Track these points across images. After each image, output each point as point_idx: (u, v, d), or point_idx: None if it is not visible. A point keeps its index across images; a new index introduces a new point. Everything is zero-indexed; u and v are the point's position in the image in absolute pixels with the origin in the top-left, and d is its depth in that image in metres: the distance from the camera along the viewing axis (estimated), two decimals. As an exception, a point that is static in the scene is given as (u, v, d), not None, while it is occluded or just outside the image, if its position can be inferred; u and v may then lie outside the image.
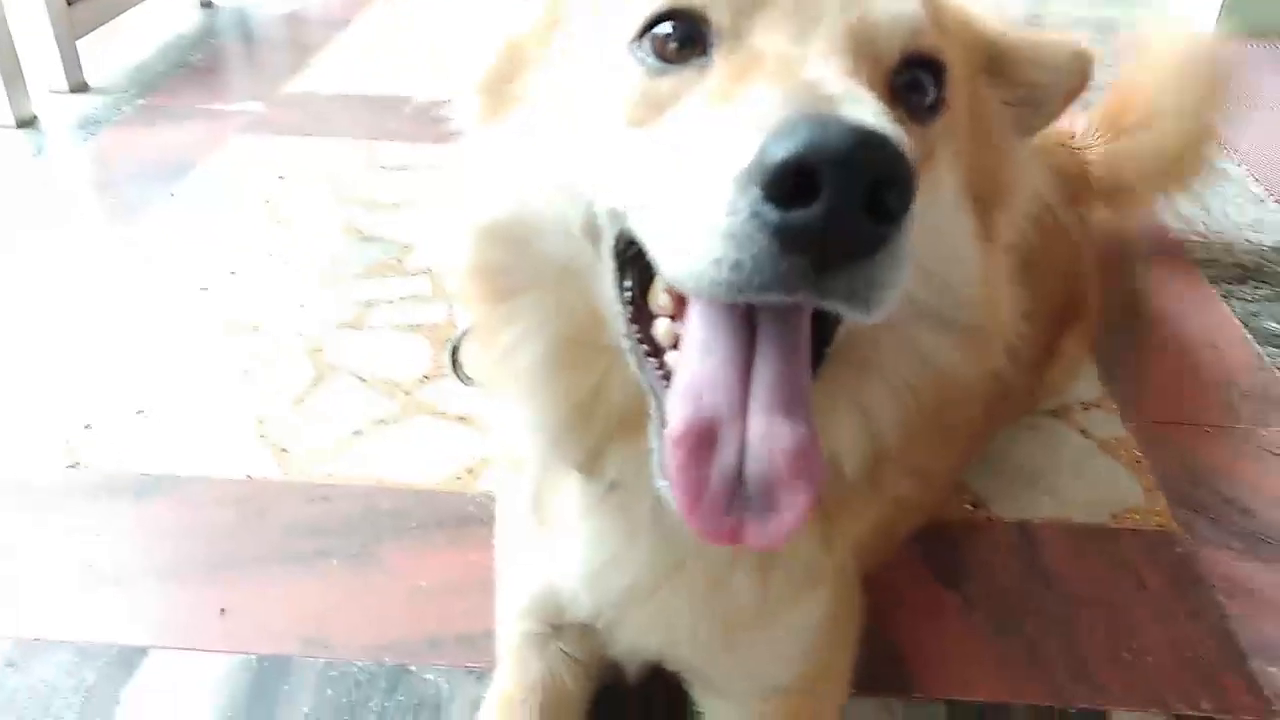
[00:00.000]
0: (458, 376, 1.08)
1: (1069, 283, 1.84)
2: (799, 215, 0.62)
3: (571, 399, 0.93)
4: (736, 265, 0.64)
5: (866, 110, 0.66)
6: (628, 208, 0.78)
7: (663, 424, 0.77)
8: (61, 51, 3.02)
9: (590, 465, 0.98)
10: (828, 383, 0.86)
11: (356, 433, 1.81)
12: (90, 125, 2.92)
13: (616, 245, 0.83)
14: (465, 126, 0.95)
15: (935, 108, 0.83)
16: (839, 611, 1.17)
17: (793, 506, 0.71)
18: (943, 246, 0.86)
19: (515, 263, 0.91)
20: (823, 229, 0.62)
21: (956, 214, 0.88)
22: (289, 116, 3.02)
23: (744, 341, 0.75)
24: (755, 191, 0.63)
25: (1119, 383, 2.00)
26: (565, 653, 1.25)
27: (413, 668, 1.39)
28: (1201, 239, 2.56)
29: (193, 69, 3.36)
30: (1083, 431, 1.87)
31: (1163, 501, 1.72)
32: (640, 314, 0.84)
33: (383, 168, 2.71)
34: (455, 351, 1.08)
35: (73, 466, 1.71)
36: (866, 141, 0.62)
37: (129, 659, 1.39)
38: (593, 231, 0.84)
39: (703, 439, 0.72)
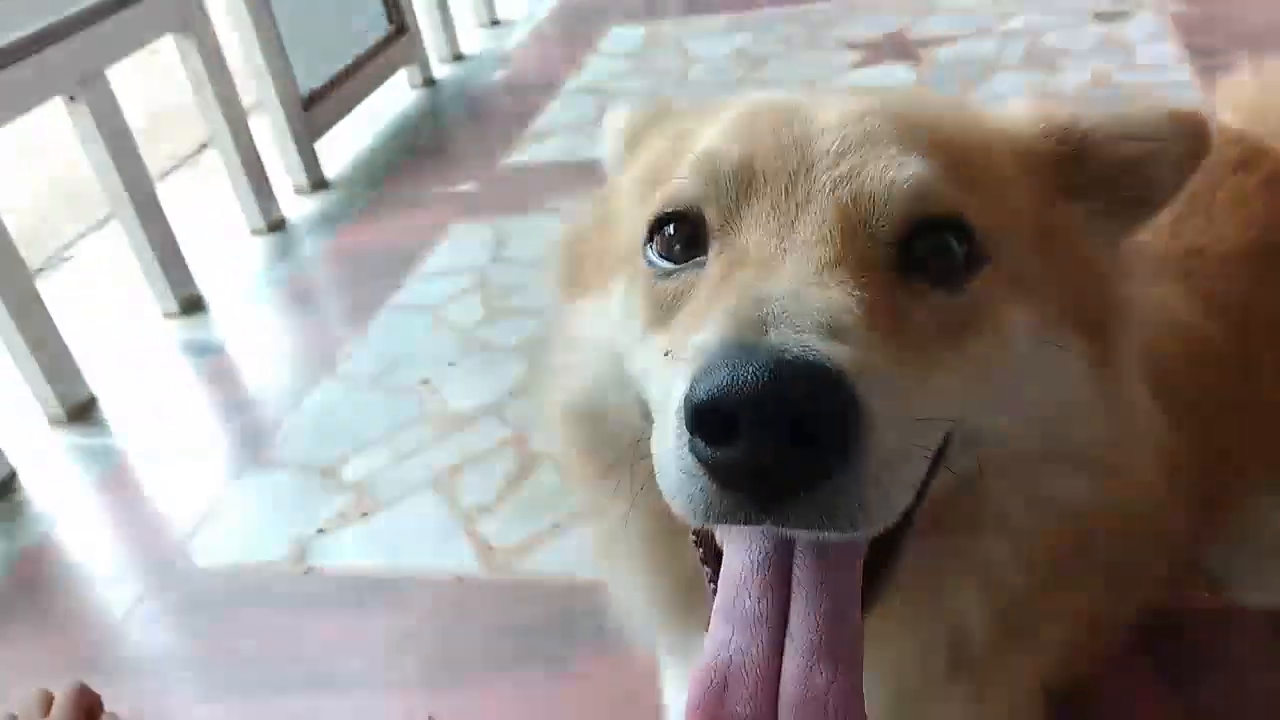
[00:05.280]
0: None
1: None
2: (723, 454, 0.61)
3: (678, 576, 0.93)
4: (690, 498, 0.65)
5: (802, 331, 0.63)
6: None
7: None
8: (301, 154, 3.32)
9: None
10: (932, 550, 0.82)
11: (555, 526, 1.86)
12: (330, 222, 3.18)
13: None
14: (554, 310, 0.97)
15: (972, 266, 0.76)
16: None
17: None
18: (1030, 392, 0.80)
19: (597, 443, 0.92)
20: (752, 466, 0.61)
21: (1039, 355, 0.80)
22: (503, 194, 3.16)
23: (780, 573, 0.72)
24: (685, 430, 0.63)
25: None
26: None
27: (606, 783, 1.41)
28: None
29: (418, 151, 3.58)
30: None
31: None
32: None
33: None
34: None
35: (306, 573, 1.86)
36: (784, 377, 0.59)
37: (351, 769, 1.50)
38: (648, 414, 0.83)
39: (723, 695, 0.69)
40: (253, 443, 2.26)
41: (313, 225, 3.19)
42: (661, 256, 0.81)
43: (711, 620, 0.73)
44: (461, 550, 1.85)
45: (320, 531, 1.96)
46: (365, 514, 1.98)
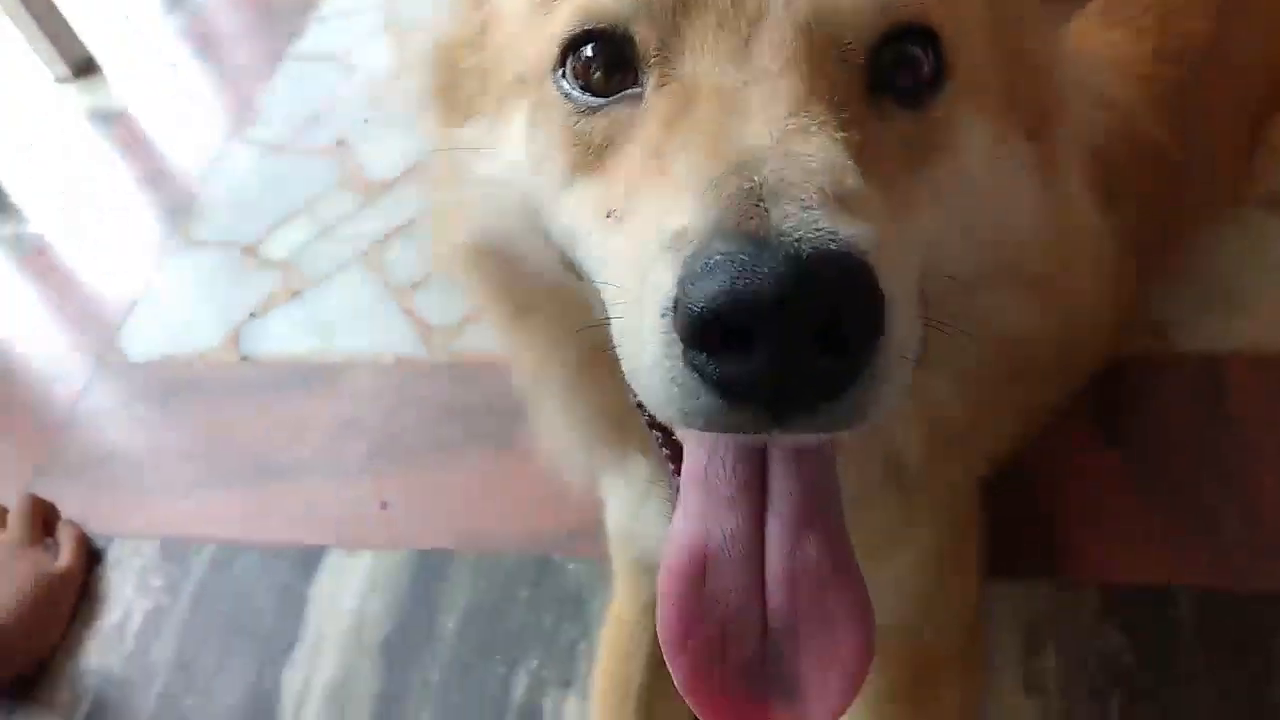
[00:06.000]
0: None
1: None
2: (734, 370, 0.52)
3: (608, 408, 0.87)
4: (686, 414, 0.56)
5: (810, 206, 0.52)
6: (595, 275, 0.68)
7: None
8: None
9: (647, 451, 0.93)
10: None
11: (493, 299, 1.80)
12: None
13: None
14: (429, 132, 0.85)
15: (937, 81, 0.66)
16: (945, 550, 1.08)
17: (836, 688, 0.62)
18: (984, 209, 0.72)
19: (509, 285, 0.84)
20: (768, 379, 0.52)
21: (993, 168, 0.72)
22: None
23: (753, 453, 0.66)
24: (678, 339, 0.53)
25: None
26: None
27: (555, 558, 1.45)
28: None
29: None
30: (1301, 226, 1.58)
31: (1395, 315, 1.46)
32: None
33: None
34: None
35: (242, 360, 1.82)
36: (810, 276, 0.50)
37: (310, 560, 1.52)
38: (573, 269, 0.74)
39: (703, 592, 0.64)
40: (171, 220, 2.14)
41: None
42: (580, 87, 0.68)
43: (681, 490, 0.67)
44: (400, 329, 1.80)
45: (252, 315, 1.89)
46: (295, 293, 1.91)
